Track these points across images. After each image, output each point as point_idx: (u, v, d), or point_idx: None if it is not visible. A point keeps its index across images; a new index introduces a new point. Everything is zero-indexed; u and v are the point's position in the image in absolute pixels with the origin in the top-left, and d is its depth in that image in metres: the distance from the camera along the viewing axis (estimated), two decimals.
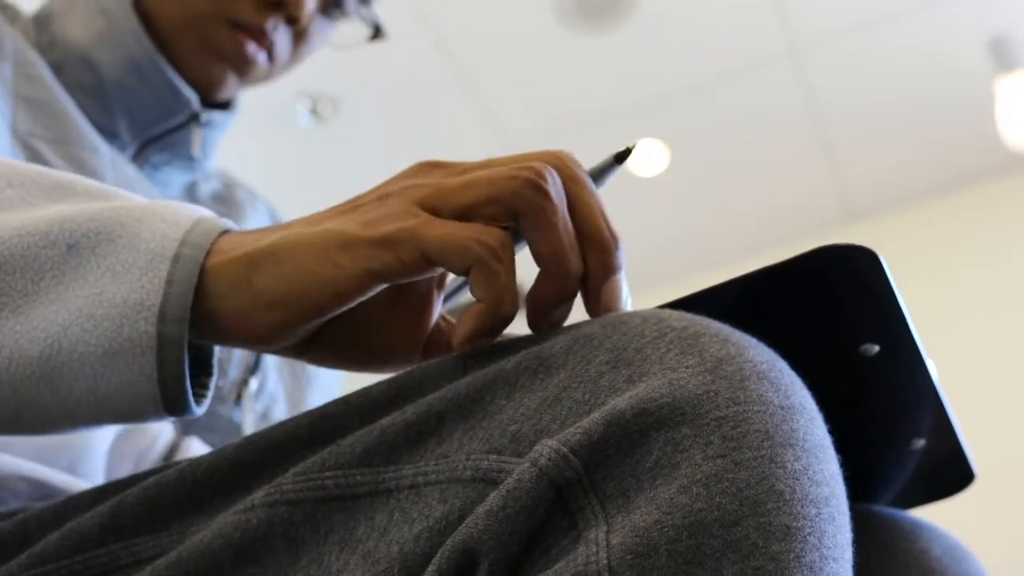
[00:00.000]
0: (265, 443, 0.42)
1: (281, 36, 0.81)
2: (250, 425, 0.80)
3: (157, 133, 0.80)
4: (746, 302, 0.43)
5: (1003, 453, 2.68)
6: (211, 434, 0.79)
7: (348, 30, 0.89)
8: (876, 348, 0.45)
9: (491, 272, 0.40)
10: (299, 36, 0.82)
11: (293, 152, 3.01)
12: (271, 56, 0.81)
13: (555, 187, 0.41)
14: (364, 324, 0.45)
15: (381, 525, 0.38)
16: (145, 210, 0.43)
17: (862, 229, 3.47)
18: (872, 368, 0.46)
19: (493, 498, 0.34)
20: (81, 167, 0.71)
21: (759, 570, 0.31)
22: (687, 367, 0.35)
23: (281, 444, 0.41)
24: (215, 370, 0.45)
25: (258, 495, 0.40)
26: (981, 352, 3.02)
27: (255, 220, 0.87)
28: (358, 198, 0.43)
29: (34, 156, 0.68)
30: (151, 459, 0.73)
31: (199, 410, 0.43)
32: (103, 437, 0.66)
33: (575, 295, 0.42)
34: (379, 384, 0.41)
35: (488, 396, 0.38)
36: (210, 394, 0.45)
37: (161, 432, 0.72)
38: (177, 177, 0.83)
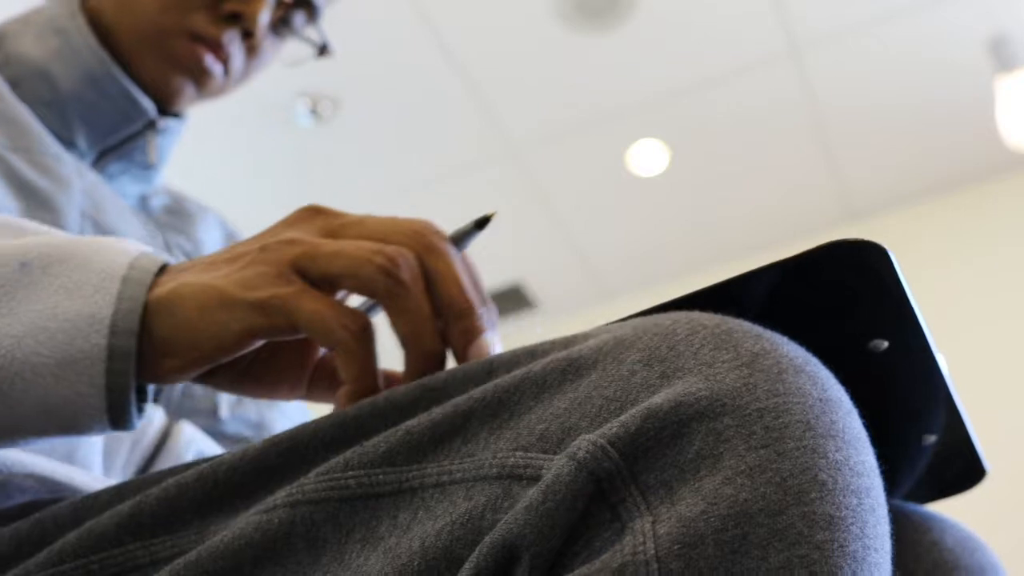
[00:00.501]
0: (287, 444, 0.42)
1: (236, 50, 0.84)
2: (225, 407, 0.81)
3: (114, 142, 0.82)
4: (753, 298, 0.43)
5: (1005, 451, 2.68)
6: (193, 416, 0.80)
7: (296, 47, 0.93)
8: (885, 344, 0.45)
9: (352, 355, 0.43)
10: (252, 51, 0.85)
11: (293, 152, 3.01)
12: (227, 69, 0.84)
13: (409, 272, 0.44)
14: (253, 362, 0.49)
15: (404, 523, 0.38)
16: (95, 240, 0.47)
17: (862, 229, 3.47)
18: (882, 364, 0.45)
19: (533, 493, 0.34)
20: (48, 171, 0.73)
21: (804, 559, 0.32)
22: (723, 362, 0.36)
23: (304, 446, 0.42)
24: (149, 393, 0.48)
25: (280, 495, 0.40)
26: (981, 352, 3.02)
27: (207, 230, 0.90)
28: (241, 245, 0.46)
29: (3, 165, 0.70)
30: (146, 443, 0.74)
31: (138, 423, 0.46)
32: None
33: (441, 366, 0.45)
34: (405, 387, 0.42)
35: (515, 397, 0.39)
36: (147, 408, 0.48)
37: (153, 416, 0.73)
38: (131, 187, 0.85)
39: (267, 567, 0.39)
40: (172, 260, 0.48)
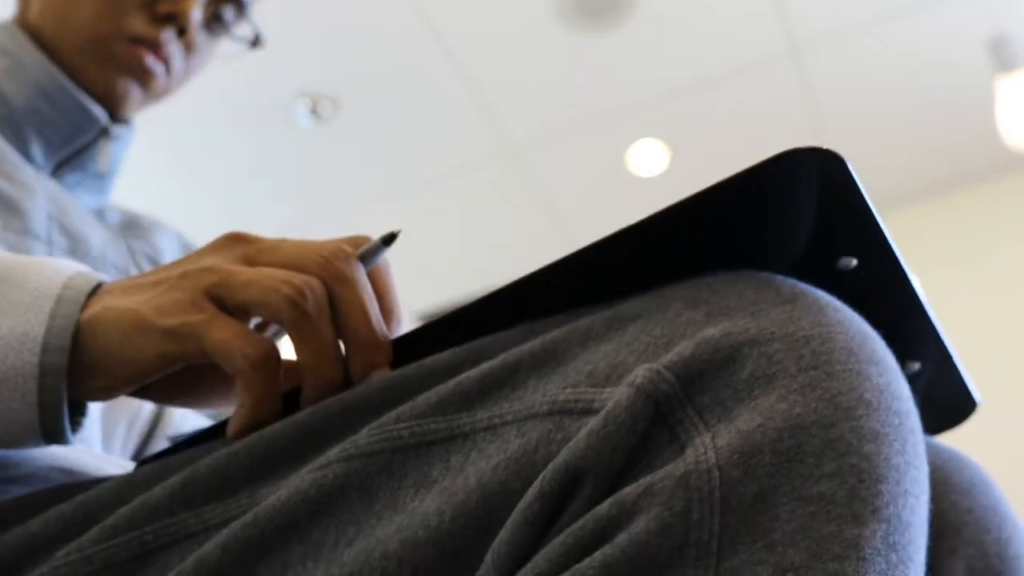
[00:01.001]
0: (336, 408, 0.43)
1: (175, 49, 0.86)
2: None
3: (69, 153, 0.83)
4: (710, 221, 0.42)
5: (1005, 450, 2.68)
6: None
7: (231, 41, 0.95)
8: (854, 262, 0.44)
9: (248, 382, 0.45)
10: (189, 48, 0.88)
11: (293, 152, 3.01)
12: (168, 68, 0.86)
13: (314, 303, 0.45)
14: (185, 376, 0.50)
15: (457, 465, 0.39)
16: (32, 261, 0.48)
17: None
18: (853, 285, 0.44)
19: (594, 420, 0.36)
20: (11, 178, 0.74)
21: (854, 467, 0.34)
22: (766, 300, 0.38)
23: (351, 409, 0.43)
24: (87, 408, 0.49)
25: (332, 452, 0.41)
26: (981, 352, 3.02)
27: (164, 240, 0.91)
28: (164, 270, 0.48)
29: None
30: (141, 424, 0.75)
31: (74, 438, 0.47)
32: (93, 406, 0.69)
33: (338, 392, 0.46)
34: (450, 350, 0.44)
35: (562, 346, 0.41)
36: (85, 422, 0.49)
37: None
38: (88, 199, 0.86)
39: (321, 520, 0.40)
40: (107, 279, 0.49)
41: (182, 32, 0.85)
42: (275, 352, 0.45)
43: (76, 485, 0.48)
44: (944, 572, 0.52)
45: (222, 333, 0.44)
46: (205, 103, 2.66)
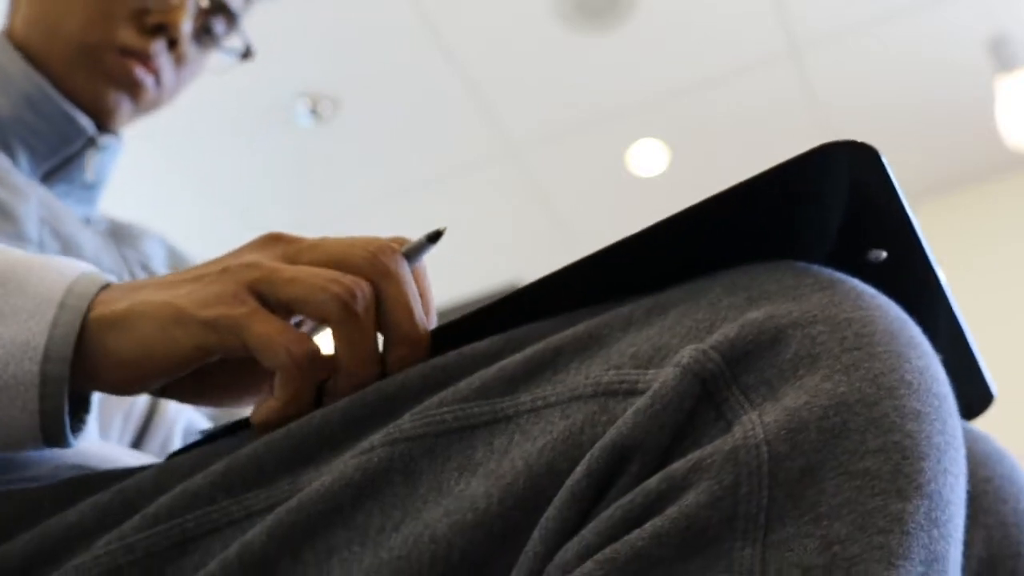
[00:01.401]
0: (375, 396, 0.44)
1: (165, 61, 0.85)
2: (202, 419, 0.82)
3: (56, 163, 0.83)
4: (744, 215, 0.43)
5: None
6: None
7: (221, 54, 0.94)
8: (884, 254, 0.45)
9: (290, 379, 0.45)
10: (179, 60, 0.87)
11: (293, 152, 3.01)
12: (158, 80, 0.85)
13: (362, 303, 0.45)
14: (206, 374, 0.50)
15: (501, 447, 0.40)
16: (35, 261, 0.48)
17: None
18: (882, 276, 0.45)
19: (642, 400, 0.37)
20: (2, 183, 0.74)
21: (898, 444, 0.35)
22: (806, 285, 0.39)
23: (391, 397, 0.44)
24: (92, 407, 0.49)
25: (376, 437, 0.42)
26: (981, 351, 3.01)
27: (151, 246, 0.91)
28: (204, 266, 0.48)
29: None
30: (136, 416, 0.75)
31: (75, 443, 0.47)
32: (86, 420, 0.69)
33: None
34: (489, 339, 0.44)
35: (604, 331, 0.42)
36: (86, 427, 0.49)
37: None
38: (76, 209, 0.86)
39: (365, 504, 0.41)
40: (114, 279, 0.49)
41: (173, 44, 0.85)
42: (318, 351, 0.45)
43: (109, 474, 0.48)
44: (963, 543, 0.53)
45: (265, 327, 0.44)
46: (205, 103, 2.66)
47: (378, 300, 0.46)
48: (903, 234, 0.44)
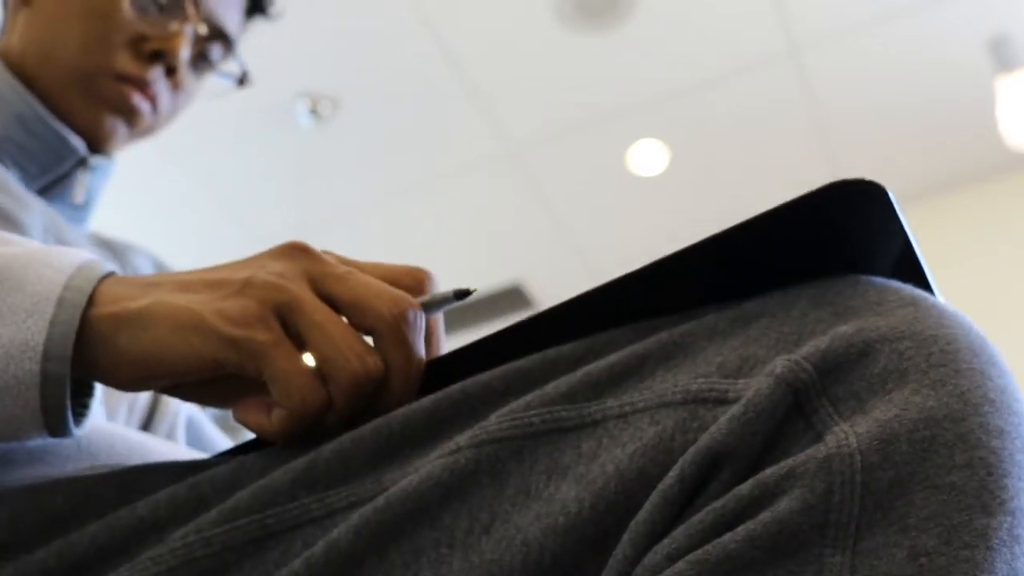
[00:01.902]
0: (459, 395, 0.44)
1: (162, 87, 0.85)
2: (202, 412, 0.82)
3: (46, 183, 0.83)
4: (756, 245, 0.44)
5: None
6: None
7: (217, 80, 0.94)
8: None
9: (296, 421, 0.45)
10: (176, 86, 0.87)
11: (293, 152, 3.01)
12: (155, 106, 0.85)
13: (372, 383, 0.45)
14: (212, 379, 0.49)
15: (589, 452, 0.41)
16: (32, 256, 0.47)
17: None
18: None
19: (735, 407, 0.38)
20: (6, 190, 0.74)
21: (983, 460, 0.36)
22: (890, 301, 0.40)
23: (475, 397, 0.44)
24: (95, 390, 0.49)
25: (462, 438, 0.42)
26: None
27: (141, 263, 0.90)
28: (223, 270, 0.47)
29: None
30: (139, 406, 0.75)
31: (79, 431, 0.47)
32: (95, 387, 0.70)
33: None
34: (571, 344, 0.45)
35: (689, 340, 0.42)
36: (89, 412, 0.49)
37: None
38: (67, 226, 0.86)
39: (452, 504, 0.41)
40: (116, 269, 0.49)
41: (170, 71, 0.85)
42: (327, 404, 0.45)
43: (174, 467, 0.48)
44: None
45: (287, 364, 0.44)
46: (205, 104, 2.65)
47: (383, 356, 0.46)
48: (907, 263, 0.45)
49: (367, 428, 0.44)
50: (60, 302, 0.45)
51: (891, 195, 0.42)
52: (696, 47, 2.80)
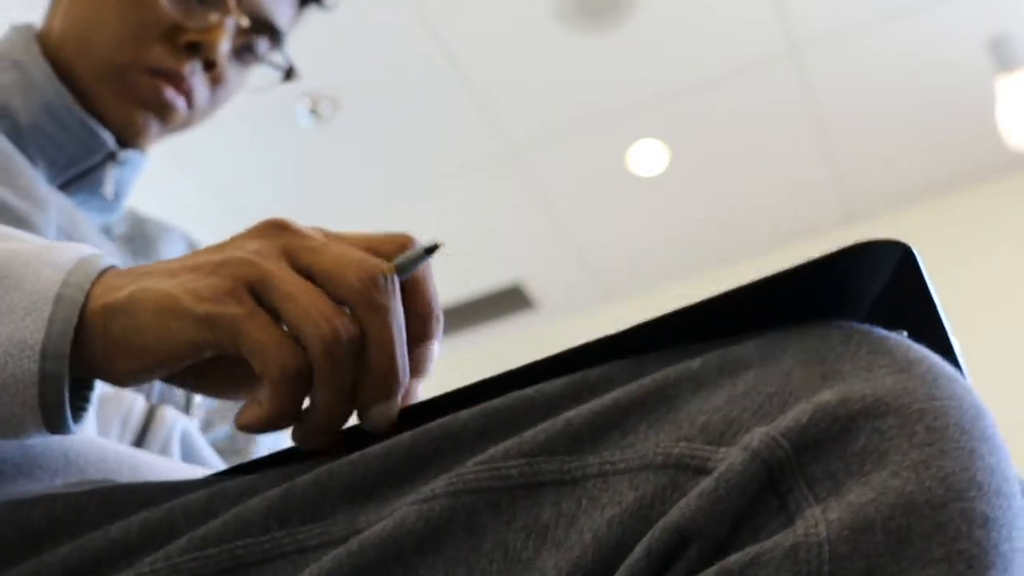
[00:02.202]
0: (439, 432, 0.43)
1: (199, 82, 0.82)
2: (196, 429, 0.81)
3: (75, 174, 0.81)
4: (782, 297, 0.43)
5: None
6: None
7: (265, 71, 0.91)
8: (904, 333, 0.45)
9: (277, 392, 0.44)
10: (216, 81, 0.84)
11: (293, 152, 3.01)
12: (190, 102, 0.82)
13: (346, 350, 0.44)
14: (213, 366, 0.49)
15: (568, 512, 0.39)
16: (32, 253, 0.47)
17: (862, 229, 3.47)
18: None
19: (706, 482, 0.36)
20: (24, 192, 0.73)
21: (963, 553, 0.34)
22: (881, 366, 0.38)
23: (455, 436, 0.43)
24: (95, 384, 0.49)
25: (438, 485, 0.41)
26: (982, 352, 3.02)
27: (170, 250, 0.89)
28: (203, 254, 0.47)
29: None
30: (134, 420, 0.74)
31: (77, 428, 0.47)
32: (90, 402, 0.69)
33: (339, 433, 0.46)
34: (552, 383, 0.43)
35: (672, 391, 0.40)
36: (90, 406, 0.48)
37: (135, 398, 0.74)
38: (94, 216, 0.84)
39: (428, 556, 0.40)
40: (117, 263, 0.49)
41: (210, 65, 0.82)
42: (308, 368, 0.45)
43: (154, 488, 0.48)
44: None
45: (261, 334, 0.44)
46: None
47: (362, 332, 0.45)
48: (929, 320, 0.44)
49: (343, 462, 0.43)
50: (58, 299, 0.45)
51: (919, 258, 0.41)
52: (696, 47, 2.80)
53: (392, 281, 0.46)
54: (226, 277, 0.45)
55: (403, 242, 0.48)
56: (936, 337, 0.44)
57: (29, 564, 0.44)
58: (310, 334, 0.44)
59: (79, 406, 0.48)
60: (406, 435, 0.43)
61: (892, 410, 0.36)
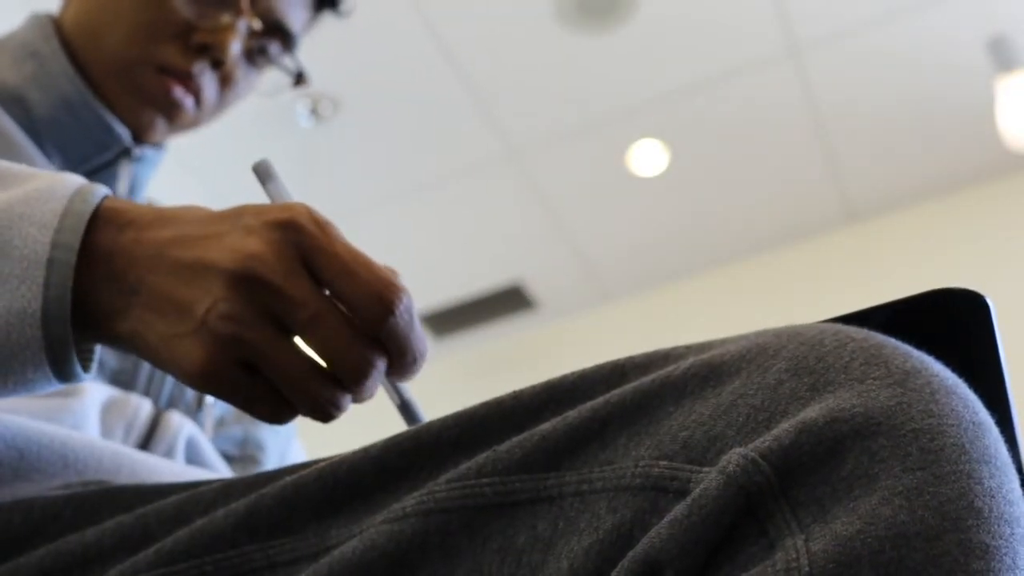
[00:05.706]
0: (410, 444, 0.42)
1: (208, 81, 0.82)
2: (208, 429, 0.81)
3: (88, 170, 0.80)
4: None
5: None
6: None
7: (275, 76, 0.91)
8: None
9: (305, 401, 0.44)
10: (225, 81, 0.84)
11: (293, 152, 3.01)
12: (198, 101, 0.82)
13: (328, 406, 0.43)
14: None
15: (544, 535, 0.37)
16: (11, 214, 0.45)
17: (862, 229, 3.47)
18: None
19: (679, 508, 0.34)
20: None
21: None
22: (874, 378, 0.35)
23: (428, 447, 0.41)
24: (94, 353, 0.49)
25: (409, 503, 0.39)
26: None
27: None
28: (216, 222, 0.46)
29: None
30: (139, 426, 0.74)
31: (87, 376, 0.47)
32: (92, 403, 0.68)
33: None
34: (531, 388, 0.41)
35: (655, 402, 0.38)
36: (96, 356, 0.48)
37: (140, 403, 0.74)
38: None
39: None
40: (104, 189, 0.47)
41: (219, 65, 0.81)
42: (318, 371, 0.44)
43: (131, 492, 0.47)
44: None
45: (262, 409, 0.44)
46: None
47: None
48: (991, 376, 0.42)
49: (311, 474, 0.42)
50: (50, 263, 0.44)
51: (992, 310, 0.39)
52: (696, 47, 2.80)
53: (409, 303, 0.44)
54: (246, 303, 0.43)
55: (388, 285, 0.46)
56: (992, 389, 0.42)
57: (8, 566, 0.44)
58: (339, 360, 0.43)
59: (86, 357, 0.48)
60: (376, 445, 0.42)
61: (884, 430, 0.33)
